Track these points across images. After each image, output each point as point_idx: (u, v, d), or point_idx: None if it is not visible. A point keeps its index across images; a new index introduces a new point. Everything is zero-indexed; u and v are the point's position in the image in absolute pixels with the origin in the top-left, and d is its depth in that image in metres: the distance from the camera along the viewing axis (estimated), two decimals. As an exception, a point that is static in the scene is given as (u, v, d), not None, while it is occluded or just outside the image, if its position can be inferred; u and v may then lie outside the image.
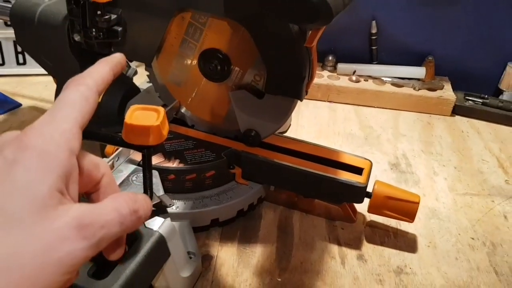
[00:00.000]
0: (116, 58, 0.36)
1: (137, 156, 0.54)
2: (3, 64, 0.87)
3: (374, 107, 0.86)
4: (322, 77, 0.87)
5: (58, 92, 0.64)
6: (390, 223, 0.59)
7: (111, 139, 0.42)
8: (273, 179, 0.57)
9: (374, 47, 0.88)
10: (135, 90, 0.64)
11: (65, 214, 0.25)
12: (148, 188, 0.45)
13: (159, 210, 0.47)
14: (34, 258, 0.23)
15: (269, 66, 0.52)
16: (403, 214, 0.55)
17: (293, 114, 0.81)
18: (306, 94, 0.54)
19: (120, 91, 0.62)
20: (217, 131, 0.60)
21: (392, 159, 0.72)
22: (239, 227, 0.57)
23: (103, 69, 0.34)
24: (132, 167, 0.53)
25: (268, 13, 0.45)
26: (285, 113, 0.55)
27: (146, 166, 0.43)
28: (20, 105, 0.77)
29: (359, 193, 0.54)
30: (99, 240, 0.26)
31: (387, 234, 0.58)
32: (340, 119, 0.83)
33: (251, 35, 0.50)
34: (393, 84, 0.86)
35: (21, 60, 0.87)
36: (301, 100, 0.52)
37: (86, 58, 0.60)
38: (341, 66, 0.88)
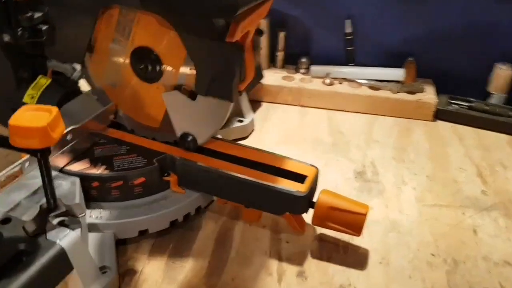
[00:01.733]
0: None
1: (59, 162, 0.52)
2: None
3: (349, 111, 0.82)
4: (293, 80, 0.84)
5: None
6: (342, 237, 0.55)
7: (3, 142, 0.40)
8: (210, 187, 0.54)
9: (349, 48, 0.84)
10: (75, 92, 0.62)
11: None
12: (49, 197, 0.43)
13: (67, 220, 0.45)
14: None
15: (196, 64, 0.49)
16: (348, 227, 0.51)
17: (258, 119, 0.78)
18: (240, 95, 0.50)
19: (57, 94, 0.60)
20: (156, 136, 0.57)
21: (358, 167, 0.68)
22: (173, 239, 0.54)
23: None
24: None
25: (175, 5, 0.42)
26: (221, 116, 0.52)
27: (43, 173, 0.41)
28: None
29: (299, 202, 0.50)
30: None
31: (336, 249, 0.54)
32: (310, 124, 0.79)
33: (176, 30, 0.48)
34: (370, 87, 0.82)
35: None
36: (231, 102, 0.49)
37: (17, 59, 0.58)
38: (314, 68, 0.84)
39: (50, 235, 0.42)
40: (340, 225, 0.51)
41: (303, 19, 0.84)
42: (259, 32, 0.82)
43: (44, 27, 0.52)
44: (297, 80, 0.84)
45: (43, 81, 0.61)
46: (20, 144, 0.38)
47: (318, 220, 0.51)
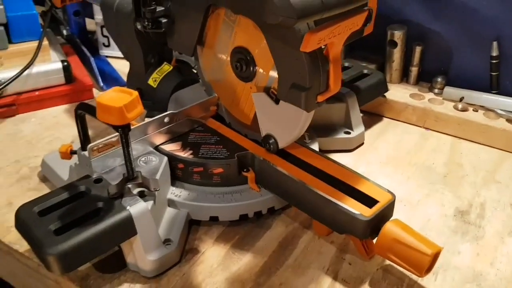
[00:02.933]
0: None
1: (156, 140, 0.59)
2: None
3: (478, 143, 0.74)
4: (422, 99, 0.79)
5: (129, 76, 0.73)
6: (410, 275, 0.51)
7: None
8: (281, 191, 0.56)
9: (494, 73, 0.75)
10: (192, 81, 0.69)
11: None
12: (128, 167, 0.50)
13: (146, 192, 0.52)
14: None
15: (278, 69, 0.51)
16: (410, 264, 0.47)
17: (373, 134, 0.76)
18: (319, 106, 0.51)
19: (174, 81, 0.68)
20: (247, 133, 0.61)
21: (462, 206, 0.62)
22: (241, 232, 0.57)
23: None
24: (147, 148, 0.58)
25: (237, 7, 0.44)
26: (300, 123, 0.53)
27: (123, 145, 0.48)
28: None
29: (359, 226, 0.48)
30: None
31: (399, 284, 0.51)
32: (428, 149, 0.73)
33: (263, 35, 0.50)
34: (509, 120, 0.72)
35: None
36: (307, 111, 0.50)
37: (147, 46, 0.68)
38: (448, 90, 0.78)
39: (125, 201, 0.50)
40: (402, 260, 0.48)
41: (444, 34, 0.78)
42: (392, 44, 0.80)
43: (164, 20, 0.60)
44: (426, 100, 0.79)
45: (166, 68, 0.69)
46: (103, 119, 0.45)
47: (380, 249, 0.49)
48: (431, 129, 0.78)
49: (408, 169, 0.69)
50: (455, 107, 0.76)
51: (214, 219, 0.57)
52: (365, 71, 0.79)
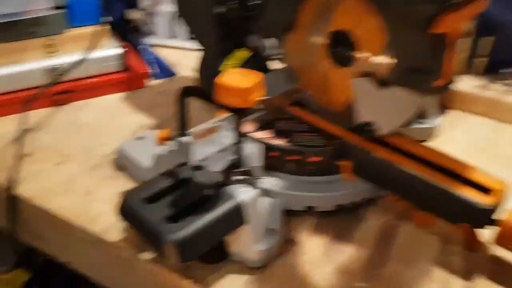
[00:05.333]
0: None
1: (246, 127, 0.58)
2: (175, 37, 1.02)
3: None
4: (492, 90, 0.78)
5: (202, 64, 0.71)
6: (525, 264, 0.50)
7: (208, 97, 0.46)
8: (385, 182, 0.54)
9: None
10: (263, 70, 0.67)
11: None
12: (238, 154, 0.48)
13: (249, 179, 0.50)
14: None
15: (396, 53, 0.50)
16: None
17: (443, 126, 0.75)
18: (437, 92, 0.49)
19: (253, 68, 0.66)
20: (337, 120, 0.60)
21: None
22: (336, 223, 0.56)
23: None
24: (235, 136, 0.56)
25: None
26: (408, 110, 0.52)
27: (237, 131, 0.47)
28: (174, 74, 0.89)
29: (481, 215, 0.47)
30: None
31: (514, 276, 0.50)
32: (504, 141, 0.73)
33: (380, 16, 0.49)
34: None
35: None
36: (423, 96, 0.49)
37: (223, 31, 0.66)
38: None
39: (232, 189, 0.48)
40: (526, 250, 0.47)
41: (518, 24, 0.78)
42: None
43: (257, 2, 0.58)
44: (497, 91, 0.78)
45: (241, 54, 0.68)
46: (223, 101, 0.43)
47: (504, 240, 0.48)
48: (503, 121, 0.77)
49: (490, 162, 0.68)
50: (530, 99, 0.75)
51: (310, 209, 0.55)
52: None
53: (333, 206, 0.56)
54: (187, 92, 0.49)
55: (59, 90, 0.77)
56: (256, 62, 0.68)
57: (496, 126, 0.77)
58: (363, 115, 0.56)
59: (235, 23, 0.62)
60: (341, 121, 0.59)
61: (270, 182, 0.56)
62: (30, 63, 0.75)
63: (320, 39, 0.57)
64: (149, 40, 0.99)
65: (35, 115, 0.75)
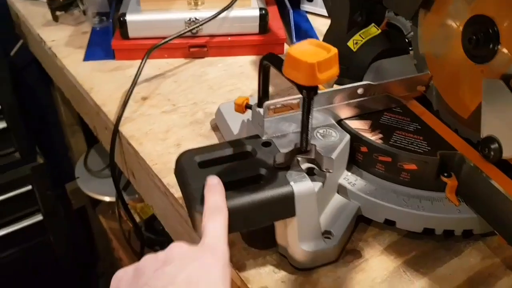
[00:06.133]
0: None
1: (342, 112, 0.50)
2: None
3: None
4: None
5: (327, 34, 0.65)
6: None
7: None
8: (488, 212, 0.43)
9: None
10: (402, 50, 0.58)
11: None
12: (302, 138, 0.42)
13: (315, 170, 0.44)
14: None
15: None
16: None
17: None
18: None
19: (379, 47, 0.58)
20: (459, 128, 0.48)
21: None
22: (419, 249, 0.46)
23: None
24: (328, 120, 0.50)
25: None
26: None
27: (304, 111, 0.41)
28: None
29: None
30: None
31: None
32: None
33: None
34: None
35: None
36: None
37: (357, 1, 0.58)
38: None
39: (290, 174, 0.42)
40: None
41: None
42: None
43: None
44: None
45: (373, 30, 0.59)
46: (289, 75, 0.38)
47: None
48: None
49: None
50: None
51: (390, 223, 0.46)
52: None
53: (419, 227, 0.46)
54: (268, 59, 0.44)
55: (196, 44, 0.79)
56: (393, 41, 0.59)
57: None
58: (489, 127, 0.44)
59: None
60: (464, 129, 0.48)
61: (349, 179, 0.48)
62: (175, 13, 0.77)
63: (457, 23, 0.46)
64: (307, 7, 0.95)
65: (171, 63, 0.78)
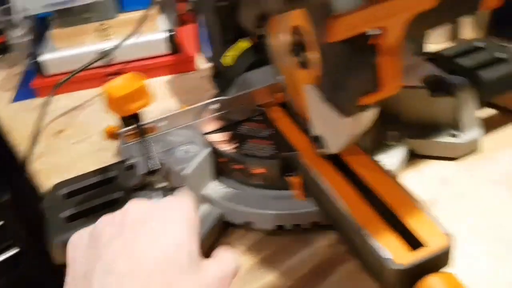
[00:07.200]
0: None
1: (204, 127, 0.55)
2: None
3: None
4: None
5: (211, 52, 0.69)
6: None
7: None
8: (320, 205, 0.47)
9: None
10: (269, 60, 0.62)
11: (208, 270, 0.32)
12: (146, 160, 0.47)
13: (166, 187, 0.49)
14: None
15: (322, 64, 0.41)
16: None
17: (498, 140, 0.59)
18: (362, 110, 0.40)
19: (249, 59, 0.62)
20: (308, 128, 0.53)
21: None
22: (278, 244, 0.51)
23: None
24: (193, 136, 0.54)
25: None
26: (344, 128, 0.43)
27: (137, 137, 0.46)
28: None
29: (386, 274, 0.37)
30: None
31: None
32: None
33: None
34: None
35: None
36: (344, 116, 0.40)
37: (226, 19, 0.62)
38: None
39: (144, 195, 0.47)
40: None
41: None
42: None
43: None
44: None
45: (244, 44, 0.64)
46: (108, 108, 0.43)
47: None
48: None
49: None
50: None
51: (249, 225, 0.51)
52: (501, 55, 0.61)
53: (273, 226, 0.50)
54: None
55: (112, 71, 0.84)
56: (263, 53, 0.63)
57: None
58: (316, 127, 0.48)
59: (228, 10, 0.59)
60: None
61: (214, 188, 0.53)
62: (88, 46, 0.83)
63: (287, 33, 0.51)
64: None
65: (90, 93, 0.84)
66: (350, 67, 0.37)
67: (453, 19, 0.63)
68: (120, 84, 0.42)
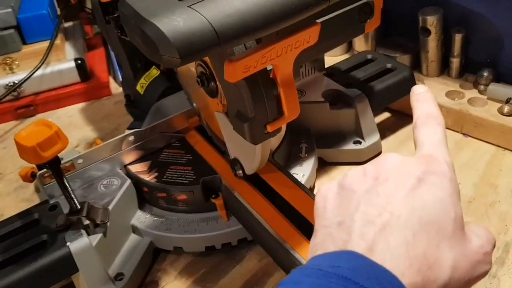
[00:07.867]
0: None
1: (125, 158, 0.56)
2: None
3: (527, 156, 0.60)
4: (461, 98, 0.66)
5: (122, 81, 0.70)
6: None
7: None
8: (244, 222, 0.50)
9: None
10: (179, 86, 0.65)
11: (471, 241, 0.30)
12: (68, 201, 0.48)
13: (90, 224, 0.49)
14: (465, 274, 0.29)
15: (224, 93, 0.45)
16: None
17: (397, 140, 0.66)
18: (270, 136, 0.43)
19: (161, 87, 0.64)
20: (226, 150, 0.56)
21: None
22: (208, 265, 0.53)
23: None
24: (113, 169, 0.55)
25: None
26: (254, 152, 0.46)
27: (56, 180, 0.46)
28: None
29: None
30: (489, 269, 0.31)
31: None
32: (460, 163, 0.62)
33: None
34: None
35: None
36: (253, 143, 0.43)
37: (132, 50, 0.63)
38: (493, 87, 0.64)
39: (68, 235, 0.48)
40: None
41: (492, 17, 0.64)
42: (424, 31, 0.67)
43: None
44: (465, 99, 0.66)
45: (154, 72, 0.65)
46: (22, 157, 0.43)
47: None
48: (470, 136, 0.65)
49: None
50: (500, 111, 0.62)
51: (178, 249, 0.53)
52: (389, 66, 0.68)
53: (202, 248, 0.53)
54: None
55: (22, 104, 0.82)
56: (173, 79, 0.65)
57: (460, 141, 0.65)
58: (232, 151, 0.51)
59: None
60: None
61: (140, 218, 0.55)
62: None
63: (192, 65, 0.53)
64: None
65: (1, 128, 0.81)
66: (256, 99, 0.41)
67: (339, 45, 0.69)
68: (31, 132, 0.42)
